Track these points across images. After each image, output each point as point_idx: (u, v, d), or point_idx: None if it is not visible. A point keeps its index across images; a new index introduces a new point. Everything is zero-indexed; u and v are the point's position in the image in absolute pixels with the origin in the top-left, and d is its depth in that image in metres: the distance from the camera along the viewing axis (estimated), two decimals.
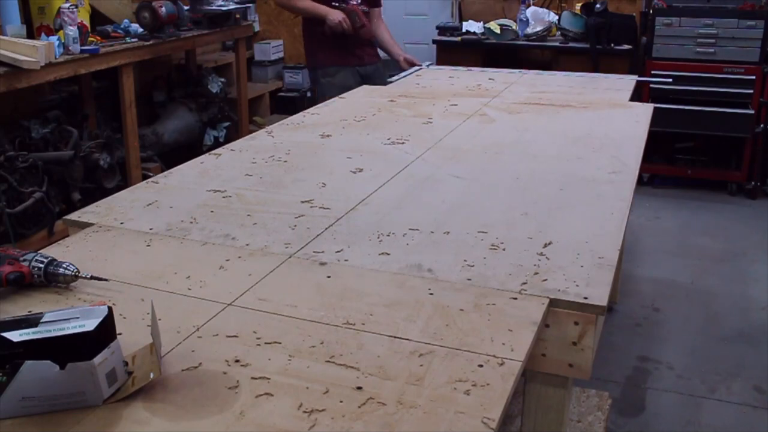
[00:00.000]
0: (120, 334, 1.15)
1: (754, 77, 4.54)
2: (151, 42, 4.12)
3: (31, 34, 3.73)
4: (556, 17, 5.05)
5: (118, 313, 1.22)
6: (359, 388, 1.01)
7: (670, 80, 4.20)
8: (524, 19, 5.12)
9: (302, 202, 1.73)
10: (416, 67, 3.73)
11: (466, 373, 1.04)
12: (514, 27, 5.08)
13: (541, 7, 5.30)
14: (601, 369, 2.75)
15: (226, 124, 5.30)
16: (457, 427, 0.93)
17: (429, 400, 0.98)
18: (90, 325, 0.97)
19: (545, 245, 1.49)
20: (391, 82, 3.43)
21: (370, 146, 2.23)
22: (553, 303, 1.26)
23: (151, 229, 1.58)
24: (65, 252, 1.47)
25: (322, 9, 3.51)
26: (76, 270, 1.29)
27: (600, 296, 1.27)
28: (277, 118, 4.76)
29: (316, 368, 1.05)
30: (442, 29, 5.27)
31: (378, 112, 2.67)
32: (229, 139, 4.58)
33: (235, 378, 1.03)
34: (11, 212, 3.32)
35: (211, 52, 5.84)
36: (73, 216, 1.66)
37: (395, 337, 1.14)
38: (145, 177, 3.57)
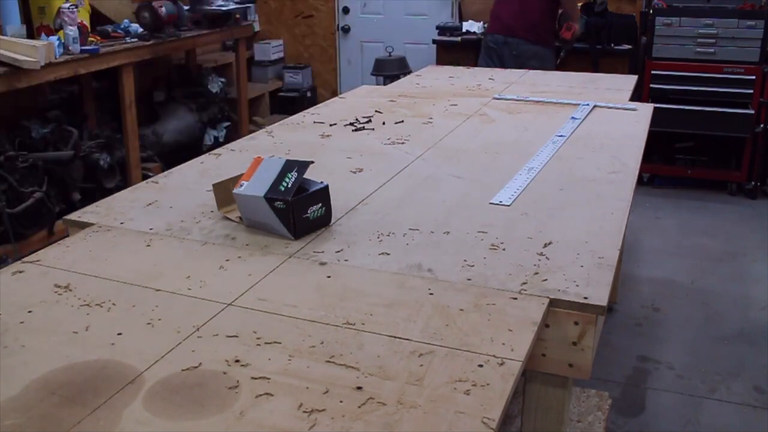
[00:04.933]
0: (120, 334, 1.15)
1: (754, 77, 4.54)
2: (151, 42, 4.12)
3: (31, 34, 3.73)
4: None
5: (119, 312, 1.22)
6: (359, 388, 1.01)
7: None
8: None
9: None
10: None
11: (466, 373, 1.04)
12: None
13: None
14: (601, 369, 2.75)
15: (226, 124, 5.30)
16: (457, 427, 0.93)
17: (429, 400, 0.98)
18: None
19: (545, 245, 1.49)
20: None
21: (370, 146, 2.23)
22: (553, 303, 1.26)
23: (151, 229, 1.58)
24: (65, 252, 1.47)
25: None
26: None
27: (600, 296, 1.27)
28: (277, 118, 4.76)
29: (316, 368, 1.05)
30: (442, 29, 5.27)
31: (378, 112, 2.67)
32: (229, 139, 4.59)
33: (235, 378, 1.03)
34: (11, 212, 3.32)
35: (211, 52, 5.84)
36: (73, 216, 1.66)
37: (395, 337, 1.14)
38: (145, 177, 3.58)
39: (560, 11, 4.33)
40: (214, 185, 1.67)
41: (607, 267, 1.39)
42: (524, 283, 1.32)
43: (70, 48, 3.55)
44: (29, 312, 1.22)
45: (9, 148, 3.46)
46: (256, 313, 1.22)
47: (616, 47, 4.79)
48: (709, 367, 2.84)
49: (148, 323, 1.19)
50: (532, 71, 3.62)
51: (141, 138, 4.35)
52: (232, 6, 5.02)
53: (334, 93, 6.02)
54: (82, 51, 3.60)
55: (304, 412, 0.95)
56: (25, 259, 1.44)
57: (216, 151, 2.20)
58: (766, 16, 4.46)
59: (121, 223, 1.61)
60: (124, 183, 4.02)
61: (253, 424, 0.93)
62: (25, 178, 3.45)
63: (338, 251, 1.46)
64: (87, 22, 3.84)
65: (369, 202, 1.74)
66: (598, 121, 2.56)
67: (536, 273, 1.36)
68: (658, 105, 3.04)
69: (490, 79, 3.38)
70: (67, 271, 1.38)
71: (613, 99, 2.88)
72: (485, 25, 5.11)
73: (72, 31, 3.54)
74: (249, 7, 5.41)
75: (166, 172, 1.98)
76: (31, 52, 3.24)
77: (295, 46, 6.37)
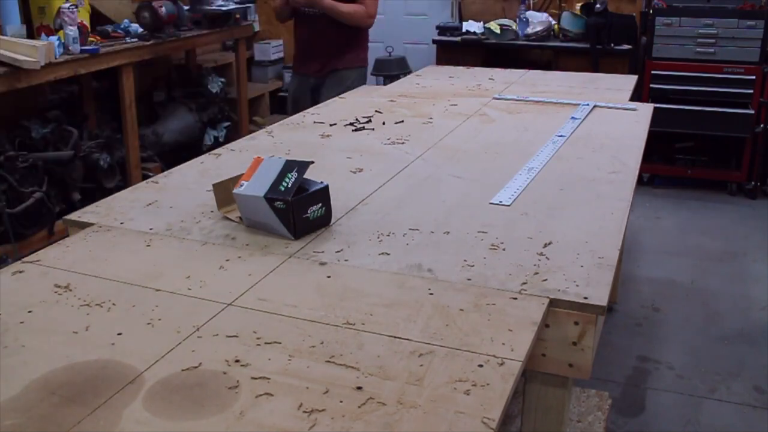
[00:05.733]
0: (120, 334, 1.15)
1: (754, 77, 4.54)
2: (151, 42, 4.12)
3: (31, 34, 3.73)
4: (553, 21, 5.05)
5: (119, 312, 1.22)
6: (359, 388, 1.01)
7: None
8: (524, 19, 5.12)
9: None
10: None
11: (466, 373, 1.04)
12: (514, 27, 5.08)
13: (542, 7, 5.31)
14: (601, 369, 2.75)
15: (226, 124, 5.30)
16: (457, 427, 0.93)
17: (429, 400, 0.98)
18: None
19: (545, 245, 1.49)
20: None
21: (370, 146, 2.23)
22: (553, 303, 1.26)
23: (151, 229, 1.58)
24: (65, 252, 1.47)
25: None
26: None
27: (600, 296, 1.27)
28: (277, 118, 4.76)
29: (316, 368, 1.06)
30: (442, 29, 5.27)
31: (378, 112, 2.67)
32: (229, 139, 4.58)
33: (235, 378, 1.03)
34: (11, 212, 3.32)
35: (211, 52, 5.84)
36: (73, 216, 1.66)
37: (395, 337, 1.14)
38: (145, 177, 3.57)
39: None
40: (214, 185, 1.67)
41: (607, 267, 1.39)
42: (524, 283, 1.32)
43: (70, 48, 3.54)
44: (29, 312, 1.22)
45: (9, 148, 3.46)
46: (256, 313, 1.22)
47: (616, 47, 4.79)
48: (709, 367, 2.84)
49: (148, 323, 1.19)
50: (531, 71, 3.62)
51: (141, 138, 4.35)
52: (232, 6, 5.02)
53: None
54: (82, 51, 3.60)
55: (304, 412, 0.95)
56: (25, 259, 1.44)
57: (216, 151, 2.20)
58: (766, 16, 4.46)
59: (121, 223, 1.61)
60: (124, 183, 4.02)
61: (253, 424, 0.93)
62: (25, 178, 3.45)
63: (338, 251, 1.46)
64: (87, 22, 3.84)
65: (369, 202, 1.74)
66: (598, 121, 2.56)
67: (536, 273, 1.36)
68: (658, 105, 3.04)
69: (490, 79, 3.38)
70: (67, 271, 1.38)
71: (613, 99, 2.88)
72: (485, 26, 5.11)
73: (72, 31, 3.54)
74: (249, 7, 5.40)
75: (166, 172, 1.98)
76: (31, 52, 3.24)
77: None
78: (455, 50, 5.07)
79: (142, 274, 1.37)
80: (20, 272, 1.38)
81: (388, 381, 1.02)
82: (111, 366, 1.06)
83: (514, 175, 1.93)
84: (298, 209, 1.50)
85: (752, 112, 4.58)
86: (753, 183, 4.76)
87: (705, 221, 4.37)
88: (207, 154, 2.18)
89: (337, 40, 3.54)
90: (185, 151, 4.56)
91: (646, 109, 2.74)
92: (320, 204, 1.55)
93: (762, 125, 4.63)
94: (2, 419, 0.94)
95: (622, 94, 3.04)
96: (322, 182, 1.57)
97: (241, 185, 1.55)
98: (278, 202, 1.48)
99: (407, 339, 1.14)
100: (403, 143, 2.25)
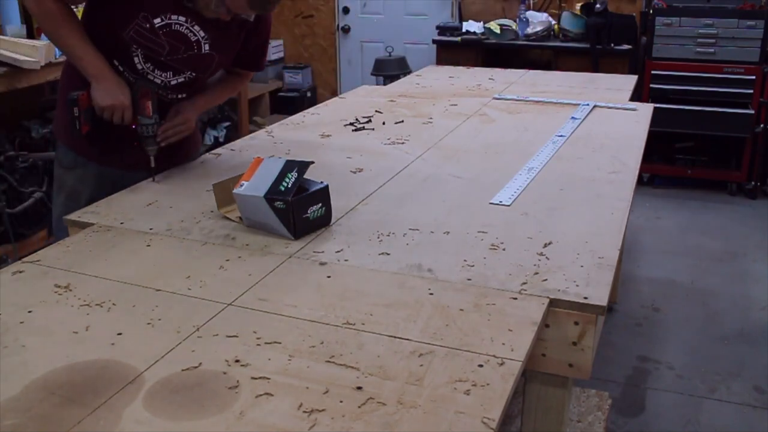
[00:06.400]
0: (120, 334, 1.15)
1: (754, 77, 4.54)
2: None
3: (31, 34, 3.73)
4: (553, 22, 5.05)
5: (119, 312, 1.22)
6: (359, 388, 1.01)
7: None
8: (524, 19, 5.13)
9: None
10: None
11: (466, 373, 1.04)
12: (514, 27, 5.09)
13: (542, 7, 5.31)
14: (601, 369, 2.75)
15: (226, 124, 5.30)
16: (457, 427, 0.93)
17: (429, 400, 0.98)
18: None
19: (545, 245, 1.49)
20: None
21: (370, 146, 2.23)
22: (553, 303, 1.26)
23: (151, 229, 1.58)
24: (65, 252, 1.47)
25: (94, 64, 1.81)
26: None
27: (600, 296, 1.28)
28: (277, 118, 4.76)
29: (316, 368, 1.06)
30: (442, 29, 5.27)
31: (378, 112, 2.67)
32: (229, 139, 4.58)
33: (235, 378, 1.03)
34: (11, 212, 3.32)
35: None
36: (73, 216, 1.66)
37: (395, 337, 1.14)
38: None
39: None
40: (214, 185, 1.67)
41: (607, 267, 1.39)
42: (524, 283, 1.32)
43: None
44: (29, 312, 1.22)
45: (9, 148, 3.46)
46: (256, 313, 1.22)
47: (616, 47, 4.79)
48: (709, 367, 2.84)
49: (148, 323, 1.19)
50: (531, 71, 3.62)
51: None
52: None
53: (334, 93, 6.02)
54: None
55: (304, 412, 0.95)
56: (25, 259, 1.44)
57: (216, 151, 2.20)
58: (766, 16, 4.46)
59: (121, 223, 1.61)
60: None
61: (253, 424, 0.93)
62: (25, 178, 3.45)
63: (338, 251, 1.46)
64: None
65: (369, 202, 1.74)
66: (598, 121, 2.56)
67: (536, 273, 1.36)
68: (658, 105, 3.04)
69: (490, 79, 3.38)
70: (67, 271, 1.38)
71: (613, 99, 2.88)
72: (485, 26, 5.11)
73: None
74: None
75: (166, 172, 1.98)
76: (31, 52, 3.24)
77: (295, 46, 6.36)
78: (455, 50, 5.07)
79: (142, 274, 1.37)
80: (20, 272, 1.38)
81: (388, 381, 1.02)
82: (111, 366, 1.06)
83: (514, 175, 1.93)
84: (298, 209, 1.50)
85: (752, 112, 4.58)
86: (753, 183, 4.76)
87: (705, 221, 4.37)
88: (207, 154, 2.18)
89: None
90: None
91: (646, 109, 2.74)
92: (320, 204, 1.55)
93: (762, 125, 4.63)
94: (2, 419, 0.94)
95: (622, 94, 3.04)
96: (322, 182, 1.57)
97: (241, 185, 1.55)
98: (278, 202, 1.48)
99: (407, 339, 1.14)
100: (403, 143, 2.25)
